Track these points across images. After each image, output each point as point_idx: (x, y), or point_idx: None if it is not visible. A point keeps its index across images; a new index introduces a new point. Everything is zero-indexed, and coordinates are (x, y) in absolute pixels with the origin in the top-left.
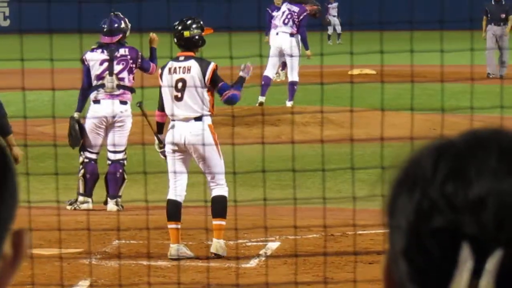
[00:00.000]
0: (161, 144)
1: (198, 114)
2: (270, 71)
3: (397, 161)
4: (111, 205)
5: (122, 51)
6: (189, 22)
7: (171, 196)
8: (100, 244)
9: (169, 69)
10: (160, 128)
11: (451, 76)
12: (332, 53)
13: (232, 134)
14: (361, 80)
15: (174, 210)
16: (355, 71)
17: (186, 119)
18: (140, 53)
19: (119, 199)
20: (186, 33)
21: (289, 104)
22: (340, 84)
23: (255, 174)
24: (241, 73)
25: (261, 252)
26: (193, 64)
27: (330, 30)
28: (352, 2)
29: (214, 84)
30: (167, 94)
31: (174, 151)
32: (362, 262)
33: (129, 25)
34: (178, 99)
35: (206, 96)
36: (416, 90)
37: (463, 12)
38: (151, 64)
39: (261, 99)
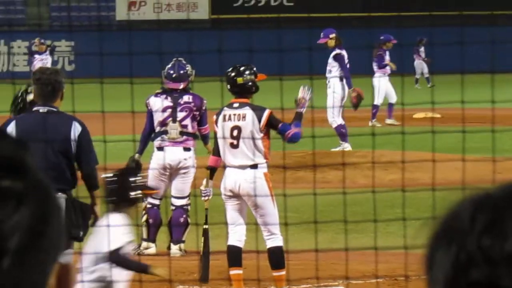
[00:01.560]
0: (207, 186)
1: (253, 162)
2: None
3: (441, 212)
4: (175, 250)
5: (186, 98)
6: (242, 68)
7: (230, 241)
8: None
9: (224, 116)
10: (212, 172)
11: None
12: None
13: (284, 178)
14: (427, 124)
15: (234, 255)
16: (420, 115)
17: (242, 167)
18: (205, 102)
19: (182, 244)
20: (240, 80)
21: (346, 147)
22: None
23: (319, 218)
24: (297, 109)
25: None
26: (248, 111)
27: (418, 74)
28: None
29: (273, 127)
30: (223, 142)
31: (229, 197)
32: None
33: (193, 72)
34: (234, 146)
35: (261, 143)
36: (482, 133)
37: None
38: (207, 125)
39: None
